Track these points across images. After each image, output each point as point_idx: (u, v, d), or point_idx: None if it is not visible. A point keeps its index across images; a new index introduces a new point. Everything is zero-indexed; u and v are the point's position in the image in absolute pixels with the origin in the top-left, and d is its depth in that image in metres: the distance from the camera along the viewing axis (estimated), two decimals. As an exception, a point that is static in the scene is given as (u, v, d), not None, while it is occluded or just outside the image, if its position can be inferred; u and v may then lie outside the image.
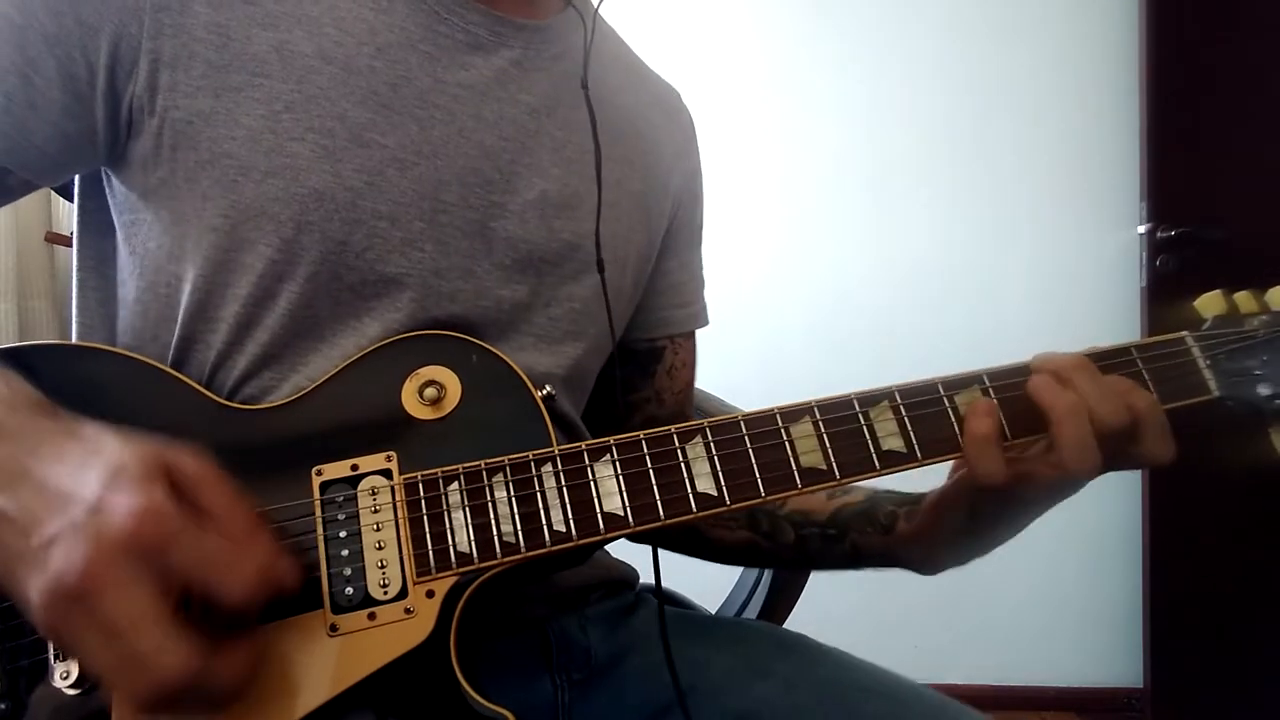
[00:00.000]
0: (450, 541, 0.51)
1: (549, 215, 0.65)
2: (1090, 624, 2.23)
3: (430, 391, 0.55)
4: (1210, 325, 0.60)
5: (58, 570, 0.38)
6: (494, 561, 0.51)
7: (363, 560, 0.50)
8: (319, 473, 0.52)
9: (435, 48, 0.62)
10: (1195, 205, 1.99)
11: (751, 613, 0.91)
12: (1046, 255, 2.22)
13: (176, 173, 0.57)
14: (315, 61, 0.58)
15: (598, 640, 0.69)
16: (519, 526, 0.52)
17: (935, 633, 2.24)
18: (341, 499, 0.52)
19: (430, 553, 0.51)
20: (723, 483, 0.54)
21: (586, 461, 0.54)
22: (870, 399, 0.56)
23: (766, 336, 2.26)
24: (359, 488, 0.52)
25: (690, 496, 0.54)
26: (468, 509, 0.52)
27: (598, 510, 0.53)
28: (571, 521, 0.52)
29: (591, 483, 0.53)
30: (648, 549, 0.61)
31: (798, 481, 0.54)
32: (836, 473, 0.55)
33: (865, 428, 0.56)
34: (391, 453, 0.53)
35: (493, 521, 0.52)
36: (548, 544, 0.52)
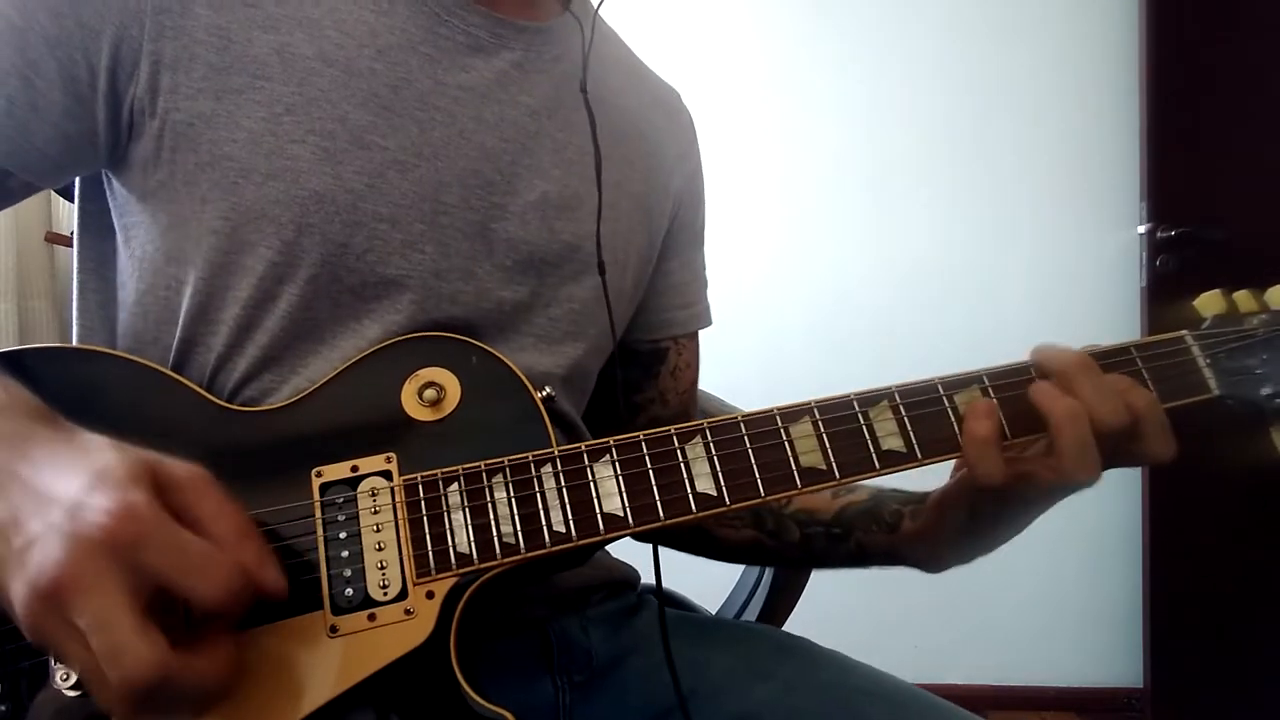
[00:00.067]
0: (450, 542, 0.51)
1: (550, 216, 0.65)
2: (1090, 624, 2.23)
3: (430, 393, 0.56)
4: (1210, 324, 0.60)
5: (35, 570, 0.38)
6: (494, 562, 0.51)
7: (363, 561, 0.50)
8: (319, 474, 0.52)
9: (436, 50, 0.62)
10: (1195, 205, 1.99)
11: (752, 613, 0.91)
12: (1046, 255, 2.22)
13: (176, 175, 0.57)
14: (316, 64, 0.58)
15: (599, 641, 0.69)
16: (519, 527, 0.52)
17: (935, 633, 2.24)
18: (341, 500, 0.52)
19: (430, 554, 0.51)
20: (722, 483, 0.54)
21: (586, 462, 0.54)
22: (870, 399, 0.56)
23: (766, 336, 2.26)
24: (359, 489, 0.52)
25: (690, 497, 0.54)
26: (467, 510, 0.52)
27: (597, 511, 0.53)
28: (571, 522, 0.52)
29: (591, 483, 0.53)
30: (648, 549, 0.61)
31: (797, 481, 0.54)
32: (836, 473, 0.55)
33: (865, 428, 0.56)
34: (391, 454, 0.53)
35: (492, 522, 0.52)
36: (548, 545, 0.52)
